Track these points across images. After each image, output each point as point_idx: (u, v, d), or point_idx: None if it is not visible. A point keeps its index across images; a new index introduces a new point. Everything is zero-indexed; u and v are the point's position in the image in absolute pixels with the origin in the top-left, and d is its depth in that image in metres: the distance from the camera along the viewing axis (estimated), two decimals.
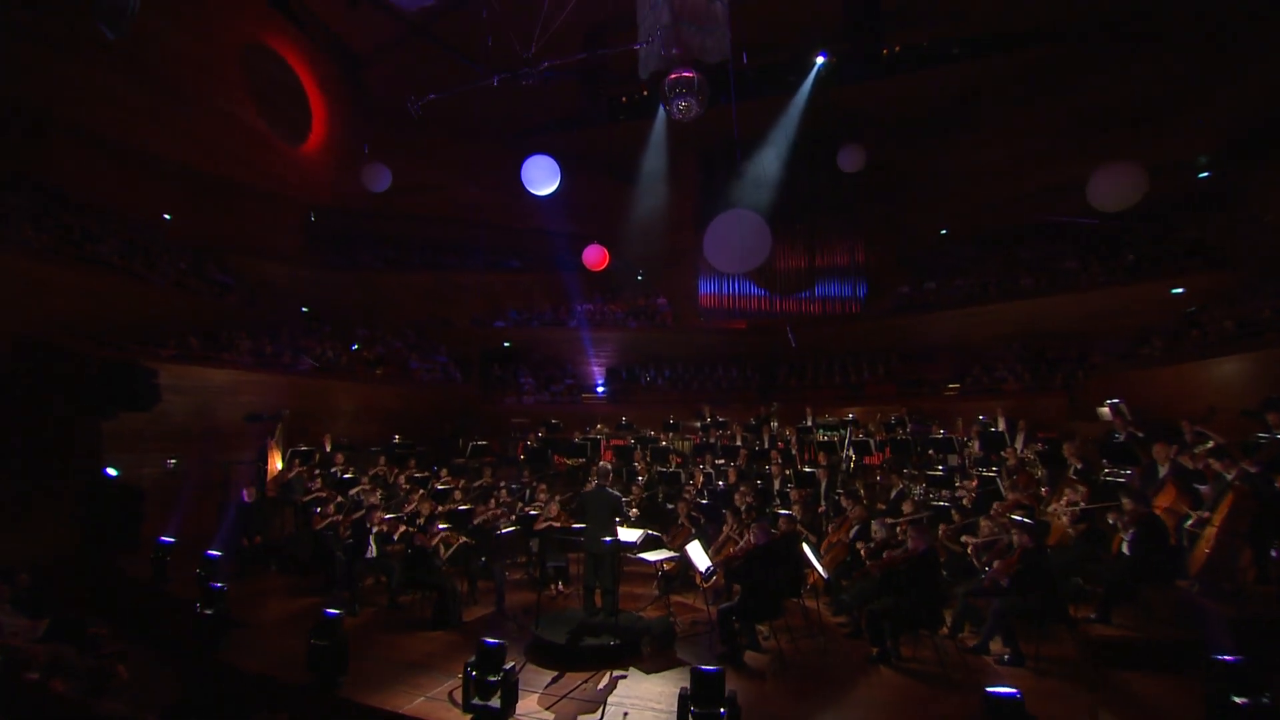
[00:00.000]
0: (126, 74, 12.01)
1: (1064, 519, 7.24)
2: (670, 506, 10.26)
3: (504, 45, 15.10)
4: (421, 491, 10.42)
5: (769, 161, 18.53)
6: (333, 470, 10.87)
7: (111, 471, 10.06)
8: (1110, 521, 6.95)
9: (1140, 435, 8.42)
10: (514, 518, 9.38)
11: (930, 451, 11.40)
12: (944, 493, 9.31)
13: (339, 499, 9.76)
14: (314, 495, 9.82)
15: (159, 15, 11.69)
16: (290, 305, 15.81)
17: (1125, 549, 6.55)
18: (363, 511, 8.70)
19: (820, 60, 15.87)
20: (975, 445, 11.27)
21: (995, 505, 7.95)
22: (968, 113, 17.03)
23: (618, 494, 7.48)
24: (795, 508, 9.01)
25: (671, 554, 7.99)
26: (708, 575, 7.13)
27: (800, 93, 16.53)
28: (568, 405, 17.23)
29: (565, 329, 18.83)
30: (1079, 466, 8.33)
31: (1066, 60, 14.91)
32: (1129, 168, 12.01)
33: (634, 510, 9.77)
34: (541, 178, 14.01)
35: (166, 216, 13.95)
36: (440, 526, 8.52)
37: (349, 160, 15.27)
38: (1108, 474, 8.11)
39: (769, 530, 6.79)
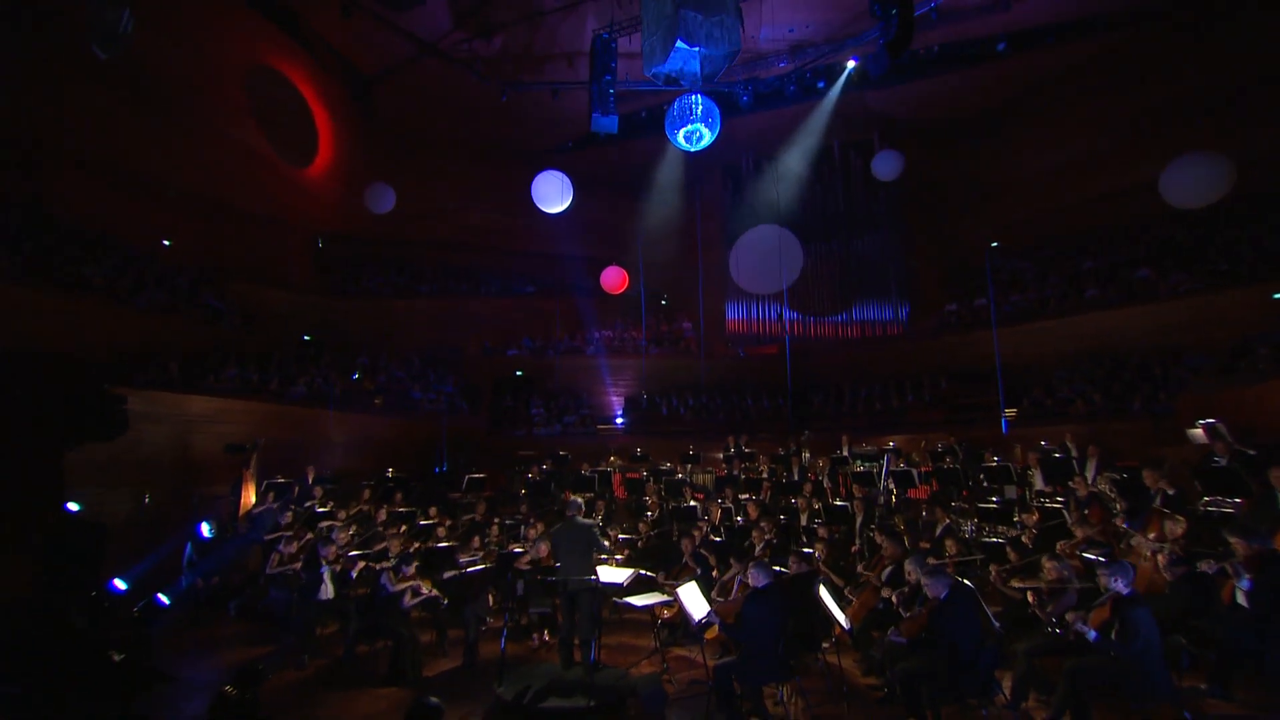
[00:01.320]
0: (125, 97, 11.86)
1: (1160, 558, 5.65)
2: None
3: (512, 61, 14.78)
4: (404, 527, 9.42)
5: (798, 174, 17.42)
6: (307, 505, 9.93)
7: (73, 506, 9.38)
8: (1199, 569, 5.39)
9: (1251, 454, 6.83)
10: (495, 554, 8.25)
11: (984, 482, 9.89)
12: (1000, 528, 7.82)
13: (308, 535, 8.79)
14: (279, 533, 8.85)
15: (159, 37, 11.49)
16: (293, 332, 15.28)
17: (1241, 599, 5.08)
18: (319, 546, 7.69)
19: (851, 64, 14.75)
20: (1037, 475, 9.75)
21: (1060, 544, 6.48)
22: (1017, 112, 15.68)
23: (589, 523, 6.40)
24: (818, 546, 7.71)
25: (664, 598, 6.78)
26: (701, 625, 5.81)
27: (829, 98, 15.42)
28: (582, 437, 16.12)
29: (582, 356, 17.89)
30: (1170, 492, 6.77)
31: (1131, 47, 13.50)
32: (1210, 160, 10.62)
33: (610, 538, 8.65)
34: (552, 193, 13.27)
35: (166, 243, 13.65)
36: (410, 569, 7.44)
37: (356, 183, 14.86)
38: (1208, 504, 6.57)
39: (771, 571, 5.46)
